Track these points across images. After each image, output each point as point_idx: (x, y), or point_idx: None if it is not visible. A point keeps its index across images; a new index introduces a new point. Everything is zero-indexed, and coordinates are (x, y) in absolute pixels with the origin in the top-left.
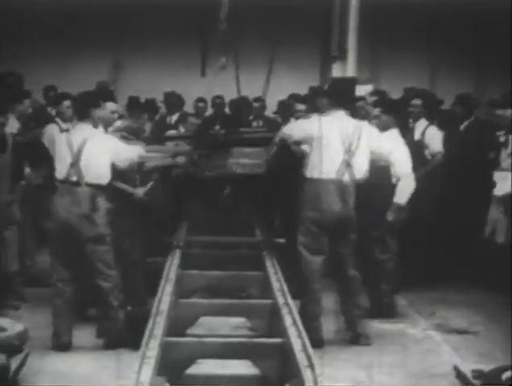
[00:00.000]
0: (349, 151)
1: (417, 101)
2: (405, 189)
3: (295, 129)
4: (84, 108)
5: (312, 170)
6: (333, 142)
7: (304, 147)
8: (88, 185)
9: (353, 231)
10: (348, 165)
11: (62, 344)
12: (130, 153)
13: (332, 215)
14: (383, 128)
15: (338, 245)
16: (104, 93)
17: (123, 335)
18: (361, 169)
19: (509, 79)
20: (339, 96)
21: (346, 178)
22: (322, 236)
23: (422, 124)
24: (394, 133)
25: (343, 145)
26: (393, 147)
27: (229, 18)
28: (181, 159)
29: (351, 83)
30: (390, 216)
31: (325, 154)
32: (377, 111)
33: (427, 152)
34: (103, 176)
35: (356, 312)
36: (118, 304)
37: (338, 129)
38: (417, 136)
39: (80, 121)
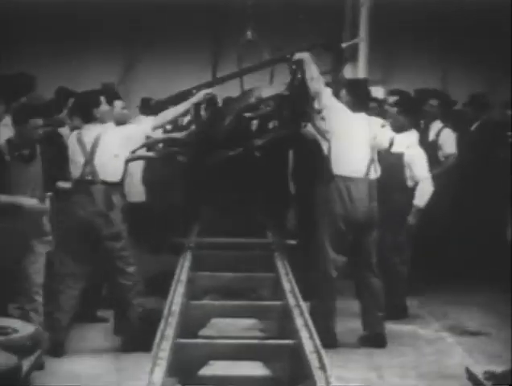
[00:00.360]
0: (374, 149)
1: (434, 102)
2: (425, 192)
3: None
4: (87, 110)
5: (340, 167)
6: (359, 139)
7: (323, 143)
8: (103, 183)
9: (375, 229)
10: (373, 162)
11: (56, 343)
12: (141, 129)
13: (361, 213)
14: (399, 128)
15: (363, 243)
16: (107, 92)
17: (139, 335)
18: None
19: None
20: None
21: (372, 176)
22: (348, 234)
23: (436, 125)
24: (411, 135)
25: (369, 143)
26: (410, 149)
27: (240, 18)
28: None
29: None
30: (411, 219)
31: (353, 151)
32: (394, 111)
33: (440, 153)
34: (118, 173)
35: (378, 313)
36: (137, 303)
37: (363, 127)
38: (431, 137)
39: (85, 122)
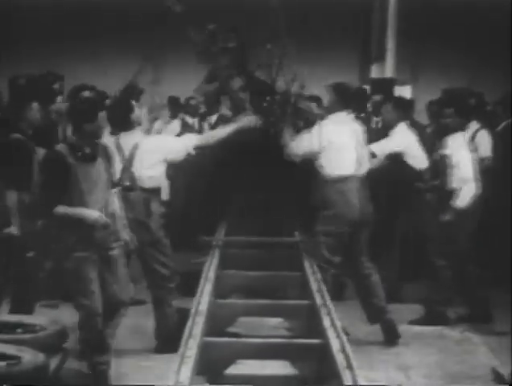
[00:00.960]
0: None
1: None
2: (468, 193)
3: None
4: (124, 118)
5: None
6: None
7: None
8: (142, 189)
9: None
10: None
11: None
12: (183, 145)
13: (358, 211)
14: (452, 130)
15: (356, 240)
16: (133, 92)
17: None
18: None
19: None
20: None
21: (361, 172)
22: (347, 234)
23: (471, 126)
24: (461, 136)
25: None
26: (459, 150)
27: (267, 18)
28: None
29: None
30: (447, 217)
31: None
32: (449, 112)
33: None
34: (155, 180)
35: (378, 303)
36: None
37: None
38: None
39: (123, 130)
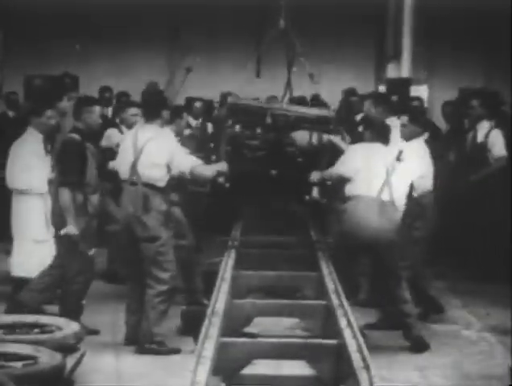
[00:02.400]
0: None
1: (474, 102)
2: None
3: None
4: (156, 111)
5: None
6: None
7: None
8: (145, 185)
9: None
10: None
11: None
12: (184, 164)
13: (368, 231)
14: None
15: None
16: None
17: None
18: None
19: None
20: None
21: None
22: (357, 253)
23: (483, 125)
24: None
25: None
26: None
27: (285, 18)
28: None
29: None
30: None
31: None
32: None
33: (490, 155)
34: (159, 177)
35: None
36: (164, 309)
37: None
38: (480, 138)
39: (148, 122)
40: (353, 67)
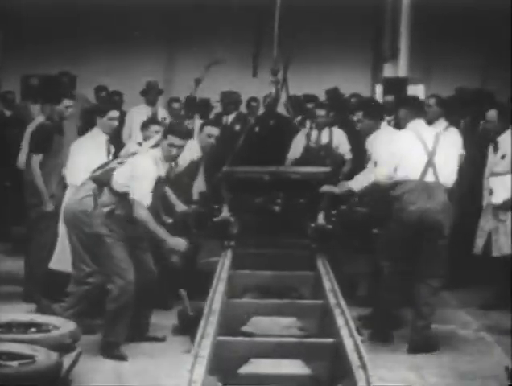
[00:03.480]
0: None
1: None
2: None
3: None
4: None
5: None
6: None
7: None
8: (93, 180)
9: (439, 235)
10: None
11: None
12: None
13: (414, 215)
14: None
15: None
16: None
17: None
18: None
19: None
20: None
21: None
22: (406, 239)
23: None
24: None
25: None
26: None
27: (281, 18)
28: None
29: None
30: None
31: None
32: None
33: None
34: (78, 176)
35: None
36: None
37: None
38: None
39: None
40: (351, 67)
